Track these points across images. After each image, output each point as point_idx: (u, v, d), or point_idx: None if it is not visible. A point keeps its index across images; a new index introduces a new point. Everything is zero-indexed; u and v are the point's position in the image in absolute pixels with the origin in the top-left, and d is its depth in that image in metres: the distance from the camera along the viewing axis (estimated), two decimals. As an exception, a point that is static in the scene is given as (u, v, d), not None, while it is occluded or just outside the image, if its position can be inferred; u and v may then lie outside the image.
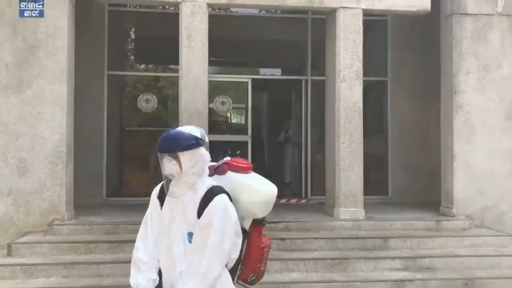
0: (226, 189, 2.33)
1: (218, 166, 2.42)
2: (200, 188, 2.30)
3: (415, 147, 8.66)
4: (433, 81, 7.66)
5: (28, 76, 6.09)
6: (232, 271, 2.39)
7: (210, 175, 2.40)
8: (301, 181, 9.04)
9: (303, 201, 8.70)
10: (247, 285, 2.64)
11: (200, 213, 2.27)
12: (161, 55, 9.21)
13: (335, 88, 6.84)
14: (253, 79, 8.92)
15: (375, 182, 9.08)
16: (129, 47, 9.14)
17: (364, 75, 6.95)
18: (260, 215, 2.44)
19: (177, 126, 6.68)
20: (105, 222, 6.21)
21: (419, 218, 6.75)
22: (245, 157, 8.91)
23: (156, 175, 9.09)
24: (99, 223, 6.14)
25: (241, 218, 2.37)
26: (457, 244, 6.17)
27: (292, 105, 9.87)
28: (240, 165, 2.44)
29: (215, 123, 9.16)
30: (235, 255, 2.36)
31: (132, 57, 9.20)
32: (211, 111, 8.79)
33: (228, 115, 9.25)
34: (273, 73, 10.12)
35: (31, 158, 6.03)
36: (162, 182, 2.45)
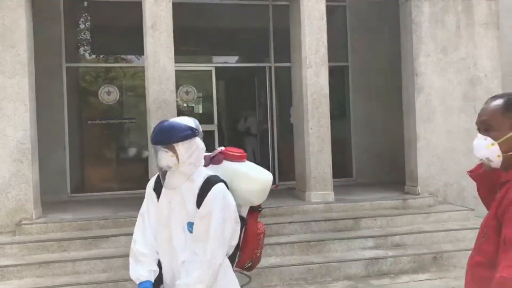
0: (223, 178, 2.35)
1: (214, 156, 2.44)
2: (197, 178, 2.30)
3: (377, 130, 8.90)
4: (394, 65, 7.88)
5: (-14, 70, 5.81)
6: (231, 258, 2.43)
7: (206, 165, 2.41)
8: (269, 168, 9.12)
9: (272, 187, 8.78)
10: (245, 272, 2.68)
11: (199, 202, 2.28)
12: (122, 45, 8.99)
13: (301, 74, 6.92)
14: (216, 68, 8.87)
15: (340, 165, 9.29)
16: (88, 37, 8.85)
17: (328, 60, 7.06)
18: (256, 202, 2.49)
19: (142, 118, 6.62)
20: (75, 218, 6.06)
21: (387, 198, 7.00)
22: (212, 146, 8.90)
23: (119, 169, 8.97)
24: (69, 220, 5.99)
25: (238, 206, 2.40)
26: (424, 221, 6.46)
27: (257, 93, 9.90)
28: (235, 154, 2.46)
29: (180, 113, 9.07)
30: (234, 242, 2.40)
31: (91, 48, 8.92)
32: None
33: (193, 104, 9.17)
34: (236, 61, 10.09)
35: (-7, 156, 5.79)
36: (157, 174, 2.43)
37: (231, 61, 9.96)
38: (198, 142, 2.33)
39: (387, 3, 7.40)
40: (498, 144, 1.64)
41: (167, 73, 6.42)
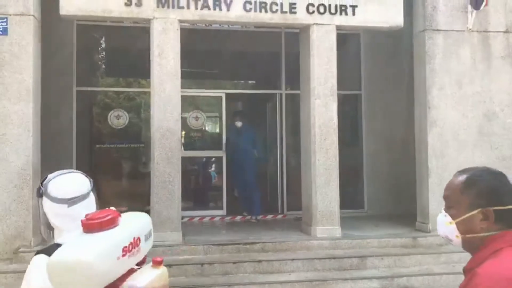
0: None
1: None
2: None
3: (390, 159, 8.68)
4: (408, 94, 7.69)
5: (-9, 96, 5.82)
6: None
7: None
8: (277, 196, 8.95)
9: (280, 216, 8.61)
10: None
11: None
12: (132, 69, 9.00)
13: (310, 105, 6.78)
14: (227, 94, 8.80)
15: (350, 196, 9.07)
16: (99, 62, 8.90)
17: (339, 88, 6.91)
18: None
19: (149, 142, 6.55)
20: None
21: (396, 235, 6.74)
22: (220, 173, 8.78)
23: (126, 193, 8.87)
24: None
25: None
26: (434, 261, 6.17)
27: (267, 120, 9.78)
28: (88, 222, 1.63)
29: (189, 139, 9.00)
30: None
31: (102, 72, 8.96)
32: (184, 127, 8.63)
33: (202, 130, 9.09)
34: (247, 87, 10.02)
35: (-5, 182, 5.76)
36: None
37: (242, 87, 9.88)
38: (44, 203, 1.76)
39: (402, 32, 7.23)
40: (456, 223, 1.51)
41: (172, 102, 6.35)
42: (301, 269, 5.84)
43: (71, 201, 1.74)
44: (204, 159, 9.33)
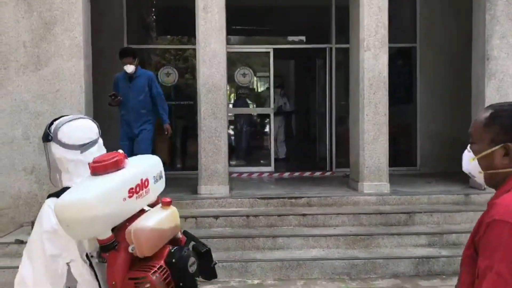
0: None
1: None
2: None
3: (445, 116, 8.32)
4: (466, 47, 7.23)
5: (46, 53, 6.04)
6: None
7: None
8: (326, 153, 8.86)
9: (328, 173, 8.54)
10: None
11: None
12: (182, 26, 9.03)
13: (359, 57, 6.55)
14: (275, 49, 8.66)
15: (402, 153, 8.83)
16: (149, 19, 8.99)
17: (391, 41, 6.62)
18: (73, 236, 1.65)
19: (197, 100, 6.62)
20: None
21: (447, 192, 6.52)
22: (269, 129, 8.78)
23: (180, 149, 9.07)
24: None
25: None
26: (487, 219, 5.93)
27: (317, 75, 9.59)
28: (94, 164, 1.66)
29: (237, 96, 9.01)
30: (87, 277, 1.73)
31: (152, 30, 9.05)
32: (232, 84, 8.64)
33: (250, 86, 9.05)
34: (296, 41, 9.80)
35: (52, 136, 6.06)
36: None
37: (291, 42, 9.68)
38: (54, 149, 1.78)
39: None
40: (478, 159, 1.49)
41: (218, 57, 6.34)
42: (346, 223, 5.81)
43: (84, 147, 1.77)
44: (253, 116, 9.35)
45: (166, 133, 6.27)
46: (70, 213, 1.55)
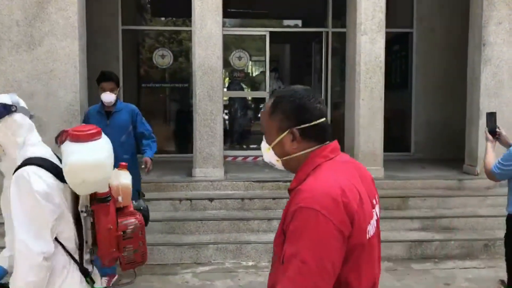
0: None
1: (58, 135, 2.05)
2: (19, 161, 1.97)
3: (440, 102, 8.34)
4: (462, 33, 7.22)
5: (39, 33, 5.96)
6: (75, 253, 2.03)
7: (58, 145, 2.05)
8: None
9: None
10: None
11: None
12: (177, 8, 8.93)
13: (355, 41, 6.52)
14: (271, 32, 8.59)
15: (397, 138, 8.86)
16: (144, 0, 8.88)
17: (388, 26, 6.60)
18: (82, 192, 1.97)
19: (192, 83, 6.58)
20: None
21: (441, 177, 6.57)
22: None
23: (169, 134, 9.02)
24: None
25: (76, 198, 2.01)
26: (479, 204, 6.00)
27: (313, 59, 9.55)
28: (79, 133, 1.95)
29: (232, 79, 8.97)
30: (67, 234, 1.98)
31: (147, 11, 8.95)
32: (227, 67, 8.59)
33: (246, 70, 9.01)
34: (292, 25, 9.73)
35: (45, 117, 5.98)
36: None
37: (287, 25, 9.61)
38: (18, 119, 1.99)
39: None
40: (273, 148, 1.52)
41: (213, 39, 6.28)
42: (341, 207, 5.83)
43: (31, 114, 2.04)
44: (248, 99, 9.32)
45: (143, 166, 4.51)
46: (89, 171, 1.88)
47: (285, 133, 1.47)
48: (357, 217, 1.36)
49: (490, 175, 3.33)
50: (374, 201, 1.52)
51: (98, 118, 4.47)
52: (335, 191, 1.34)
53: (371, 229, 1.44)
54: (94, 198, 2.00)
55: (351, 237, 1.35)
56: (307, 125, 1.46)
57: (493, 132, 3.43)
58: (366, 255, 1.41)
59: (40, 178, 1.88)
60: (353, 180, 1.43)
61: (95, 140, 1.94)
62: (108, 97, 4.48)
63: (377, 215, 1.52)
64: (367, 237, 1.41)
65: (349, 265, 1.36)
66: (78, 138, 1.91)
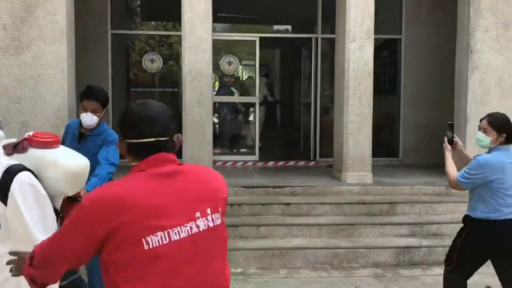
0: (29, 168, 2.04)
1: (17, 143, 2.11)
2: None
3: (429, 108, 8.40)
4: (450, 40, 7.30)
5: (27, 37, 5.91)
6: None
7: (8, 154, 2.09)
8: (310, 143, 8.89)
9: (312, 163, 8.58)
10: None
11: (3, 197, 1.97)
12: (167, 12, 8.92)
13: (344, 48, 6.56)
14: (261, 37, 8.61)
15: (385, 144, 8.91)
16: (133, 4, 8.85)
17: (377, 32, 6.64)
18: (69, 192, 2.21)
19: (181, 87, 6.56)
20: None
21: (429, 183, 6.61)
22: (254, 118, 8.78)
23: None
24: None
25: (52, 197, 2.09)
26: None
27: (302, 65, 9.58)
28: (43, 139, 2.13)
29: (222, 84, 8.96)
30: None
31: (137, 15, 8.92)
32: (217, 72, 8.58)
33: (236, 75, 9.01)
34: (282, 30, 9.76)
35: (32, 122, 5.94)
36: None
37: (277, 30, 9.64)
38: None
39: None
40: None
41: (203, 44, 6.28)
42: (329, 213, 5.85)
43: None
44: (238, 104, 9.32)
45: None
46: (82, 172, 2.18)
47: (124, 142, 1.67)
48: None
49: (454, 183, 3.45)
50: (204, 210, 1.60)
51: (71, 138, 3.71)
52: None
53: (174, 236, 1.52)
54: (65, 200, 2.20)
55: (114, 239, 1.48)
56: (134, 141, 1.63)
57: (451, 142, 3.66)
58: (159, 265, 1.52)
59: (38, 182, 1.99)
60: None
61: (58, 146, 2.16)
62: (88, 118, 3.56)
63: (206, 224, 1.60)
64: (150, 247, 1.49)
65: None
66: (49, 144, 2.11)
